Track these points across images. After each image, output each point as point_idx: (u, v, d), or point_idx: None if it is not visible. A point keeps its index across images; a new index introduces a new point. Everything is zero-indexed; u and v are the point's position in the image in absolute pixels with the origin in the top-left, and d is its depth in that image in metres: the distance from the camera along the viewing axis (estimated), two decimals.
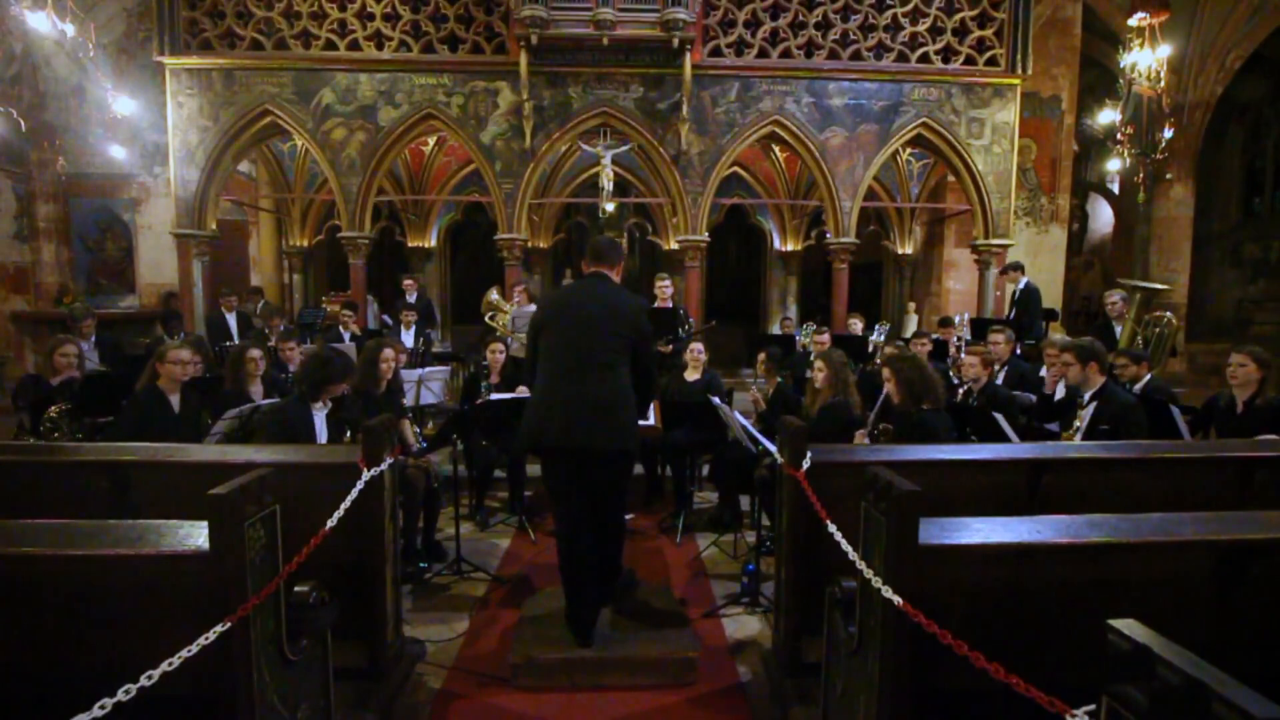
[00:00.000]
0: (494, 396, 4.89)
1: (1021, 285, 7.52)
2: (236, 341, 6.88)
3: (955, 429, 3.86)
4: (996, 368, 5.18)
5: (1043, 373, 5.19)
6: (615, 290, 3.22)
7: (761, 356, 5.38)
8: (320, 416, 3.76)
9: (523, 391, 4.72)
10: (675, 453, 5.11)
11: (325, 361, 3.77)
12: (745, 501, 4.93)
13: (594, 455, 3.03)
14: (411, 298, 8.84)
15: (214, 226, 8.06)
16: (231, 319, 7.49)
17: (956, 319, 6.93)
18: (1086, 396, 3.98)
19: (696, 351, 5.39)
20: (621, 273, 3.34)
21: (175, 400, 4.09)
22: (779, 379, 5.29)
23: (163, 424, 3.92)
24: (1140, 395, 4.29)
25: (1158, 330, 6.13)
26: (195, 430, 4.04)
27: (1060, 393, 4.68)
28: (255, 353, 4.55)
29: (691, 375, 5.37)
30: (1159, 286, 6.55)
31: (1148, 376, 4.68)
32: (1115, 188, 13.24)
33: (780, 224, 12.40)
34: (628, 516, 5.03)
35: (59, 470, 3.06)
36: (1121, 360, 4.66)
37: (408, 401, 5.10)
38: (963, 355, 5.16)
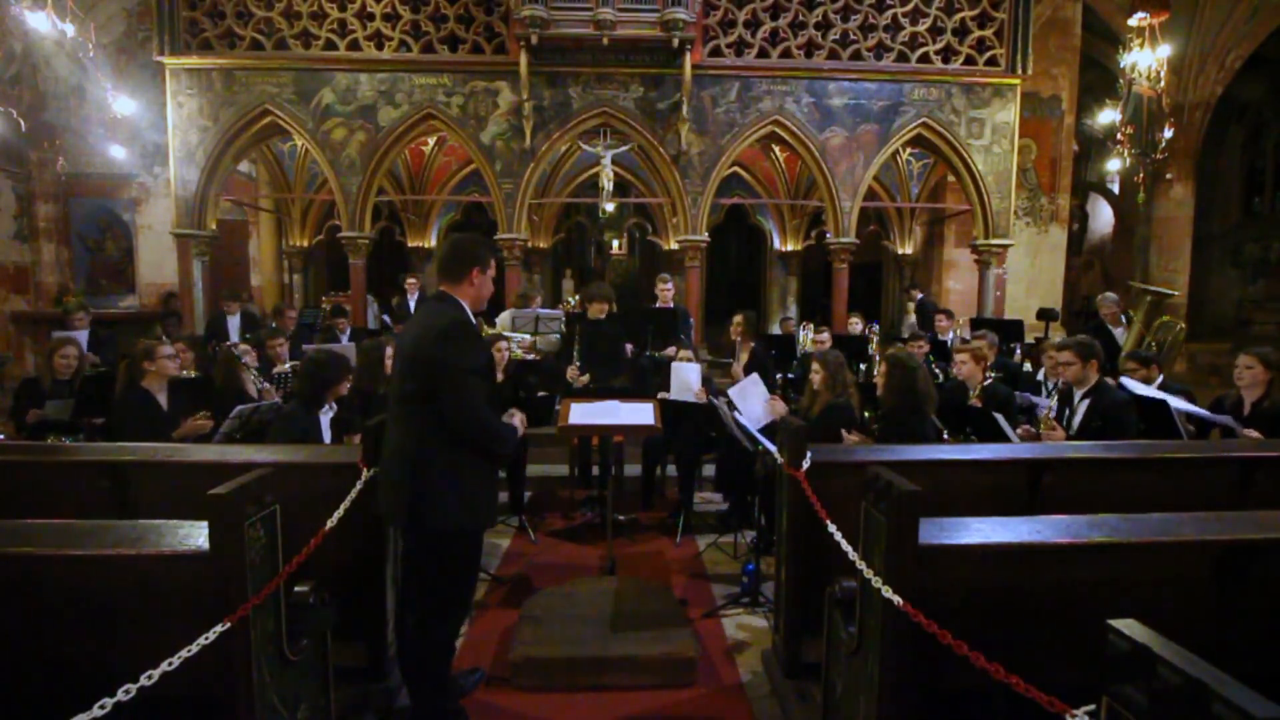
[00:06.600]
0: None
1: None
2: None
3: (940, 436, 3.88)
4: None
5: (1040, 377, 5.16)
6: (435, 314, 2.55)
7: (737, 319, 5.24)
8: (326, 420, 3.75)
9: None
10: (681, 453, 5.09)
11: (320, 365, 3.74)
12: None
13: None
14: (413, 298, 8.86)
15: (214, 226, 8.05)
16: (234, 321, 7.47)
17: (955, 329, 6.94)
18: (1078, 395, 3.97)
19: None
20: (477, 286, 2.61)
21: (163, 399, 4.06)
22: (752, 344, 5.27)
23: (153, 424, 3.89)
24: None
25: (1169, 337, 6.09)
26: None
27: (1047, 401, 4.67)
28: (242, 347, 4.55)
29: None
30: (1172, 291, 6.51)
31: (1160, 379, 4.61)
32: (1115, 188, 13.25)
33: (780, 224, 12.40)
34: (623, 518, 5.05)
35: (59, 470, 3.06)
36: (1131, 364, 4.58)
37: None
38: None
